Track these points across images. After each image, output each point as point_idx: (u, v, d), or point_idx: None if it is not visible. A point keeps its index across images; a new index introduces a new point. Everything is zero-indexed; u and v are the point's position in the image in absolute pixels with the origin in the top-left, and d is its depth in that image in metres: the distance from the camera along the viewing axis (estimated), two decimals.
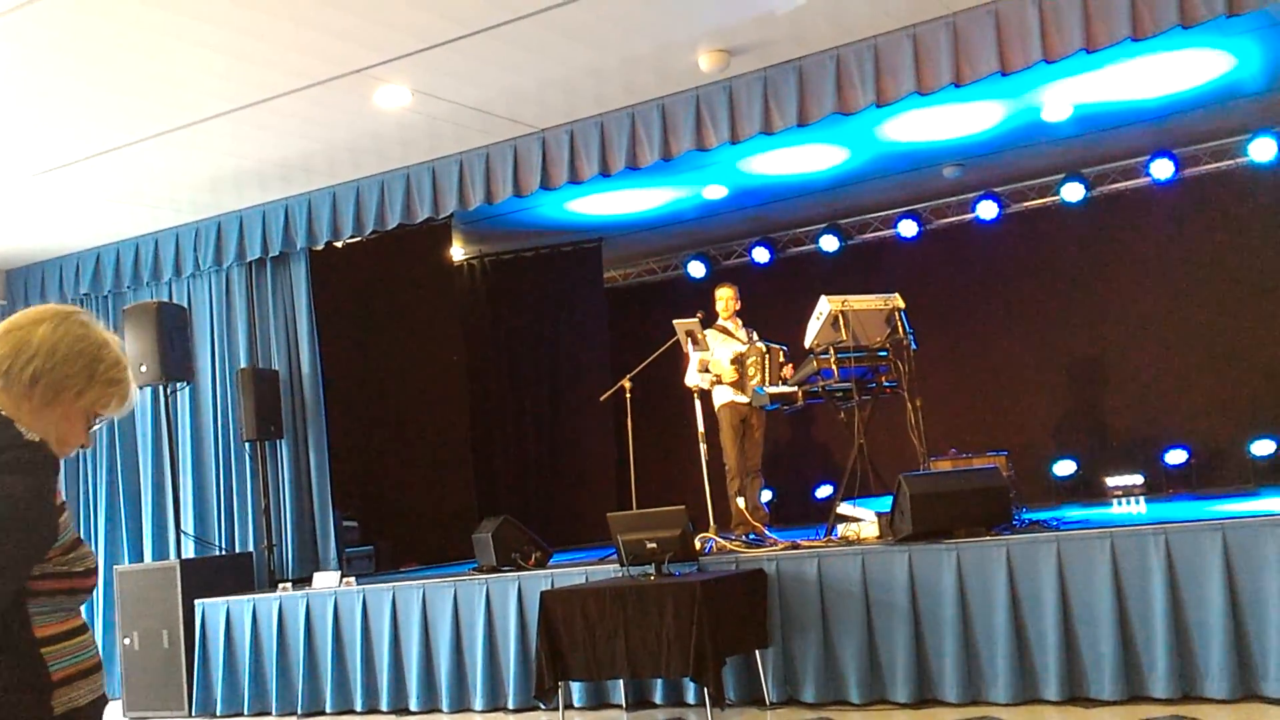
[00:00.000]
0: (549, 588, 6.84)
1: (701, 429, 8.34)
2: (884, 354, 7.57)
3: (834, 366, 7.44)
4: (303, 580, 8.57)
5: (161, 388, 9.08)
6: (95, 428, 2.29)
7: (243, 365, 9.33)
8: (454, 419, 11.04)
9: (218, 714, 8.17)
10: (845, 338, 7.42)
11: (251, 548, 9.17)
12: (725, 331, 8.65)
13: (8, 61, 6.30)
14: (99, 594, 9.80)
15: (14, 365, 2.17)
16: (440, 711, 7.45)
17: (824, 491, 10.87)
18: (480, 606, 7.33)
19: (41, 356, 2.18)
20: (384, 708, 7.62)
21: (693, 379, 8.42)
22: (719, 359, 8.40)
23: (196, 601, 8.37)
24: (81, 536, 2.21)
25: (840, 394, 7.68)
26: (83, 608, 2.24)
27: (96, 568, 2.21)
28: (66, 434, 2.22)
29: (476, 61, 6.81)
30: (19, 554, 1.99)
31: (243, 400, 8.99)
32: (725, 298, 8.71)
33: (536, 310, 12.10)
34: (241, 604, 8.21)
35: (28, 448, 2.08)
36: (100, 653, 2.25)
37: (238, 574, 8.82)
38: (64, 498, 2.16)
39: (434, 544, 10.04)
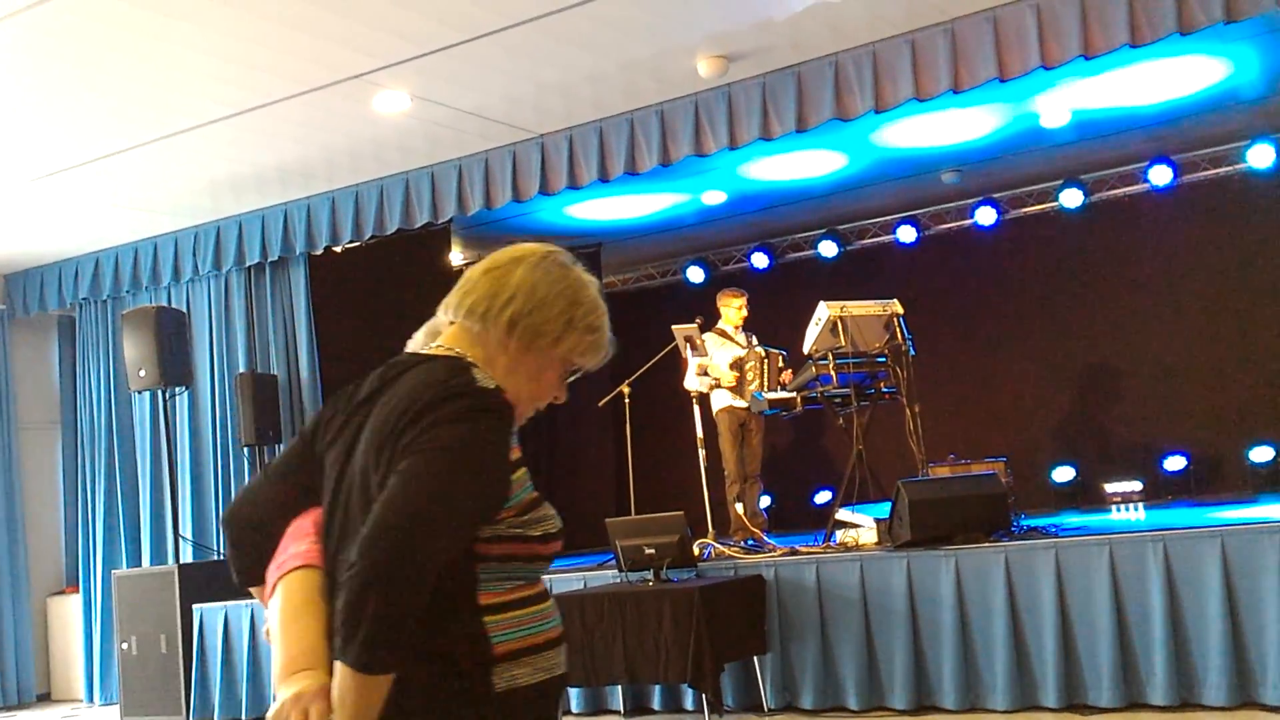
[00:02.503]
0: None
1: (700, 434, 8.34)
2: (883, 360, 7.58)
3: (833, 372, 7.45)
4: None
5: (160, 392, 9.07)
6: (570, 380, 2.08)
7: (241, 370, 9.33)
8: None
9: (215, 719, 8.15)
10: (844, 343, 7.43)
11: None
12: (724, 335, 8.65)
13: (7, 67, 6.30)
14: (97, 598, 9.80)
15: (491, 307, 1.99)
16: None
17: (823, 497, 10.87)
18: None
19: (521, 298, 2.00)
20: None
21: (691, 383, 8.42)
22: (718, 363, 8.40)
23: (194, 606, 8.36)
24: (540, 496, 1.97)
25: (839, 400, 7.69)
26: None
27: (559, 533, 1.98)
28: (541, 387, 2.04)
29: (475, 67, 6.81)
30: (465, 509, 1.77)
31: (241, 405, 8.99)
32: (738, 306, 8.64)
33: None
34: (239, 609, 8.20)
35: (481, 395, 1.86)
36: (561, 625, 1.98)
37: None
38: (520, 454, 1.94)
39: None
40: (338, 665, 1.70)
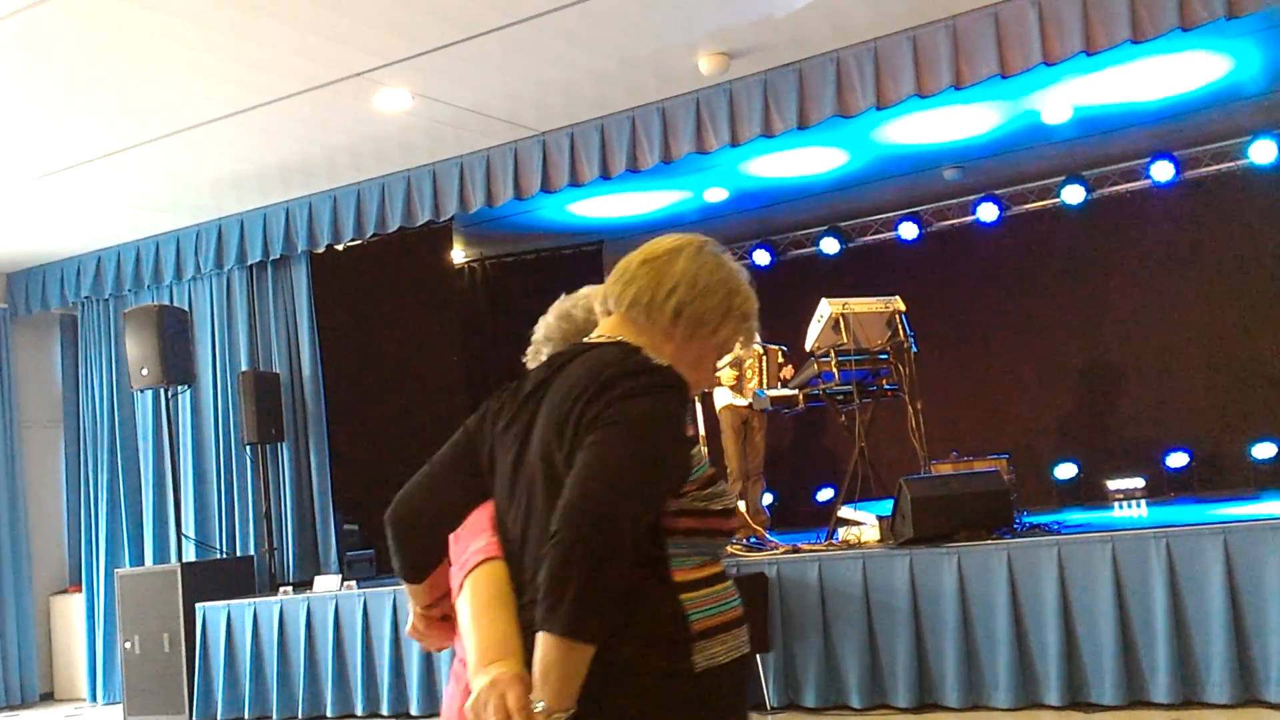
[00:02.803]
0: None
1: (702, 431, 8.34)
2: (885, 357, 7.58)
3: (835, 369, 7.44)
4: (304, 584, 8.57)
5: (162, 391, 9.08)
6: (719, 370, 2.15)
7: (244, 368, 9.33)
8: (455, 421, 10.85)
9: (218, 718, 8.16)
10: (846, 340, 7.42)
11: (252, 551, 9.17)
12: None
13: (9, 66, 6.30)
14: (99, 597, 9.80)
15: (655, 297, 2.04)
16: (440, 715, 7.44)
17: (825, 495, 10.87)
18: None
19: (684, 288, 2.04)
20: (384, 711, 7.62)
21: None
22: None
23: (197, 605, 8.37)
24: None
25: (841, 397, 7.69)
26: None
27: (736, 508, 1.98)
28: (701, 374, 2.06)
29: (476, 65, 6.81)
30: (656, 478, 1.80)
31: (244, 403, 8.99)
32: None
33: (538, 313, 11.83)
34: (242, 608, 8.21)
35: (660, 371, 1.90)
36: (742, 605, 1.98)
37: (239, 577, 8.82)
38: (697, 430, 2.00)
39: None
40: (541, 638, 1.70)
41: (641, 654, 1.78)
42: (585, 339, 2.10)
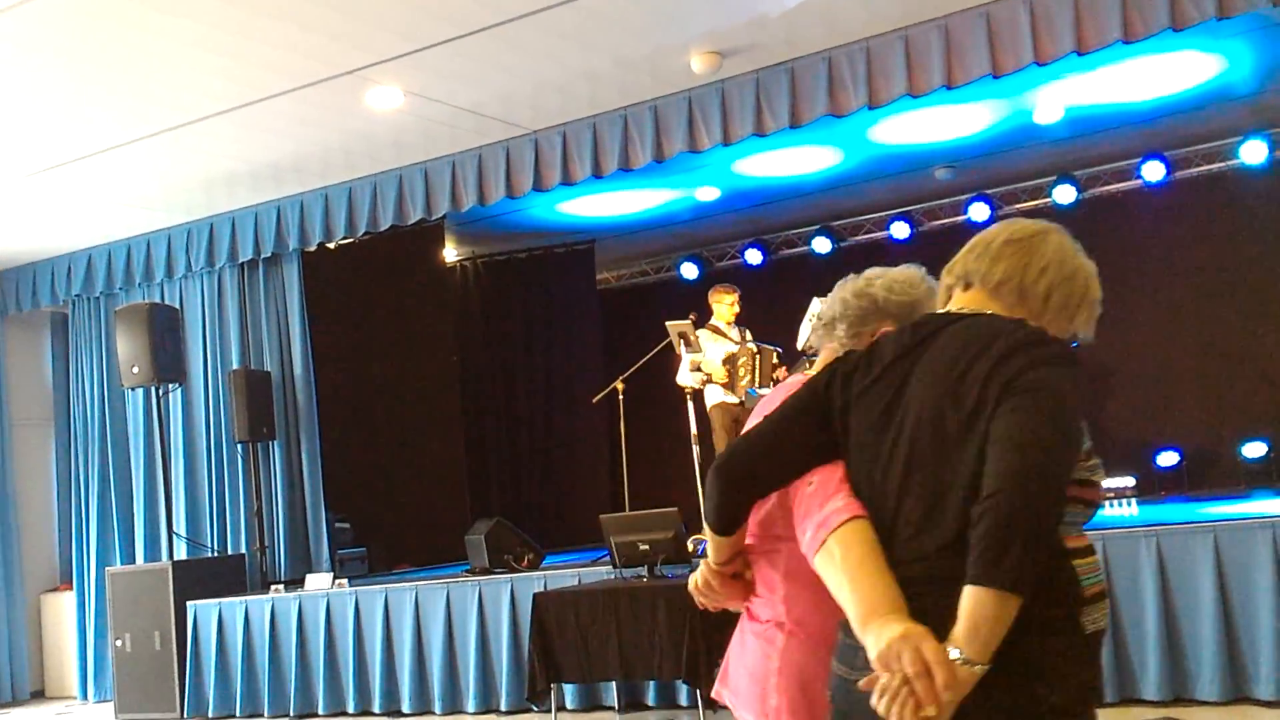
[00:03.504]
0: (541, 589, 6.84)
1: (694, 430, 8.35)
2: None
3: None
4: (295, 582, 8.56)
5: (153, 389, 9.07)
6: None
7: (235, 366, 9.31)
8: (447, 420, 11.03)
9: (210, 716, 8.16)
10: None
11: (244, 549, 9.16)
12: (717, 331, 8.66)
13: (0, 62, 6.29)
14: (91, 595, 9.78)
15: (1026, 278, 2.06)
16: (433, 713, 7.45)
17: None
18: (473, 608, 7.33)
19: (1053, 270, 2.07)
20: (376, 709, 7.62)
21: (684, 379, 8.43)
22: (711, 359, 8.41)
23: (189, 603, 8.36)
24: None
25: None
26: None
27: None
28: None
29: (469, 63, 6.80)
30: (1076, 444, 1.84)
31: (235, 401, 8.97)
32: (730, 302, 8.68)
33: (529, 311, 12.10)
34: (234, 605, 8.20)
35: (1057, 342, 1.93)
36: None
37: (230, 575, 8.81)
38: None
39: (427, 545, 10.04)
40: (977, 592, 1.71)
41: (1049, 612, 1.82)
42: (946, 310, 2.12)
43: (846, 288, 2.47)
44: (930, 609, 1.80)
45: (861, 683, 1.79)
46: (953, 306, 2.13)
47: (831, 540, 1.96)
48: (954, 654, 1.72)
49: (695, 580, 2.36)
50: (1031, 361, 1.86)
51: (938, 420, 1.92)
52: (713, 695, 2.54)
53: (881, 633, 1.78)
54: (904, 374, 2.01)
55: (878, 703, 1.74)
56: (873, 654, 1.78)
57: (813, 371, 2.35)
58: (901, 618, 1.80)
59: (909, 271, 2.47)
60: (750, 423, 2.32)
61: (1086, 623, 1.87)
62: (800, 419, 2.12)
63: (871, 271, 2.49)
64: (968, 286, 2.13)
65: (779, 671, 2.22)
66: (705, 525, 2.22)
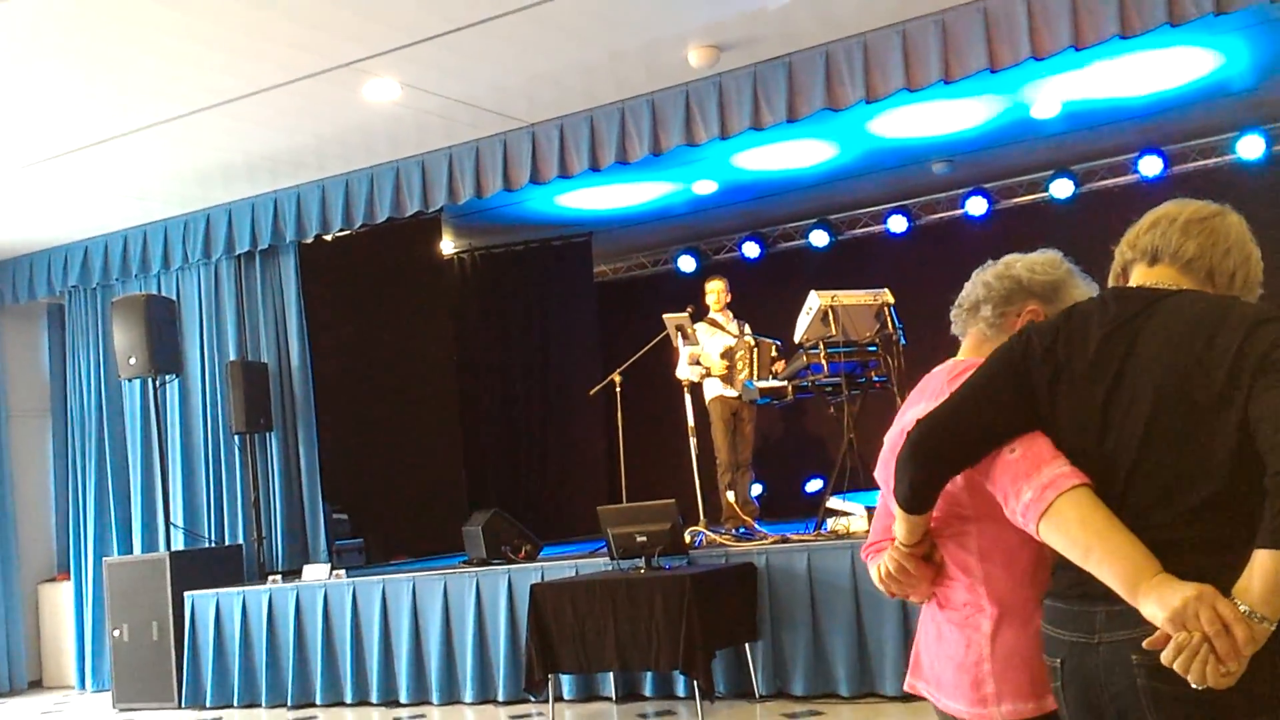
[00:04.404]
0: (539, 581, 6.87)
1: (692, 423, 8.37)
2: (873, 349, 7.60)
3: (824, 361, 7.47)
4: (292, 573, 8.59)
5: (150, 380, 9.07)
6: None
7: (232, 358, 9.32)
8: (444, 412, 11.04)
9: (207, 706, 8.18)
10: (835, 332, 7.45)
11: (241, 540, 9.18)
12: (715, 325, 8.68)
13: None
14: (88, 585, 9.80)
15: (1214, 257, 2.07)
16: (430, 704, 7.47)
17: (814, 486, 10.89)
18: (470, 599, 7.35)
19: (1236, 251, 2.08)
20: (374, 700, 7.64)
21: (683, 372, 8.45)
22: (709, 352, 8.43)
23: (186, 594, 8.37)
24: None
25: (830, 389, 7.71)
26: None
27: None
28: None
29: (465, 56, 6.81)
30: None
31: (232, 393, 8.98)
32: (716, 290, 8.77)
33: (526, 304, 12.11)
34: (231, 596, 8.22)
35: None
36: None
37: (227, 566, 8.83)
38: None
39: (424, 537, 10.06)
40: (1273, 555, 1.72)
41: None
42: (1146, 285, 2.12)
43: (986, 273, 2.50)
44: (1187, 572, 1.81)
45: (1145, 642, 1.79)
46: (1144, 281, 2.14)
47: (1062, 502, 1.95)
48: (1244, 610, 1.74)
49: (882, 568, 2.33)
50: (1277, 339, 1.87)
51: (1183, 394, 1.92)
52: (905, 689, 2.51)
53: (1168, 593, 1.79)
54: (1127, 345, 2.01)
55: (1173, 661, 1.75)
56: (1158, 614, 1.78)
57: (961, 355, 2.41)
58: (1169, 577, 1.81)
59: (1048, 254, 2.51)
60: (900, 419, 2.34)
61: None
62: (1001, 391, 2.11)
63: (1009, 257, 2.52)
64: (1154, 262, 2.15)
65: (991, 656, 2.20)
66: (894, 506, 2.20)
